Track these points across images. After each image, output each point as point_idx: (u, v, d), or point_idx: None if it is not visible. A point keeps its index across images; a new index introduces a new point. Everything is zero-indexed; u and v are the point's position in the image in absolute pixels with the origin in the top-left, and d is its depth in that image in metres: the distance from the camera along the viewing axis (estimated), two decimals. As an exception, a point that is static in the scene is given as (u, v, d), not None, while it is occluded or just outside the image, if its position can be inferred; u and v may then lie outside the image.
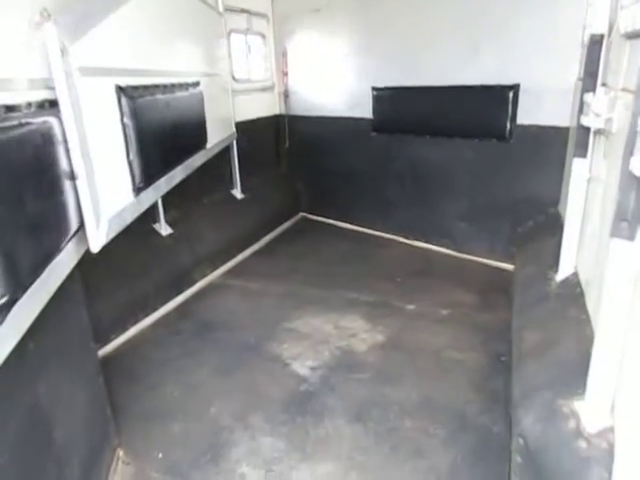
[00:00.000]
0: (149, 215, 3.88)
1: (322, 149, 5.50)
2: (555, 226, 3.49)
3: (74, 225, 1.67)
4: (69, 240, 1.64)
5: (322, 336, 3.32)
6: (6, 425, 1.39)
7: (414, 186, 4.81)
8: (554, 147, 3.72)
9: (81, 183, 1.66)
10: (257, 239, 5.09)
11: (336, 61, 5.04)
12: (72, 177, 1.66)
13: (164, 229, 3.98)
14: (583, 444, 1.73)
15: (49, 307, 1.59)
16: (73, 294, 1.99)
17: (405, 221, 4.98)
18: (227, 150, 4.72)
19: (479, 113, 4.12)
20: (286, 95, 5.59)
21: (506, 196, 4.19)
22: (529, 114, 3.84)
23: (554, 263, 2.93)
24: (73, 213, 1.67)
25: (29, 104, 1.45)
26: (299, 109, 5.58)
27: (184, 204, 4.25)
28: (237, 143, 4.86)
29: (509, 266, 4.15)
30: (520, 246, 3.82)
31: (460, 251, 4.59)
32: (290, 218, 5.80)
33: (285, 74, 5.50)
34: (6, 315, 1.15)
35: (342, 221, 5.58)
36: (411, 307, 3.68)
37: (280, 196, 5.66)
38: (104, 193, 1.83)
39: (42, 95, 1.56)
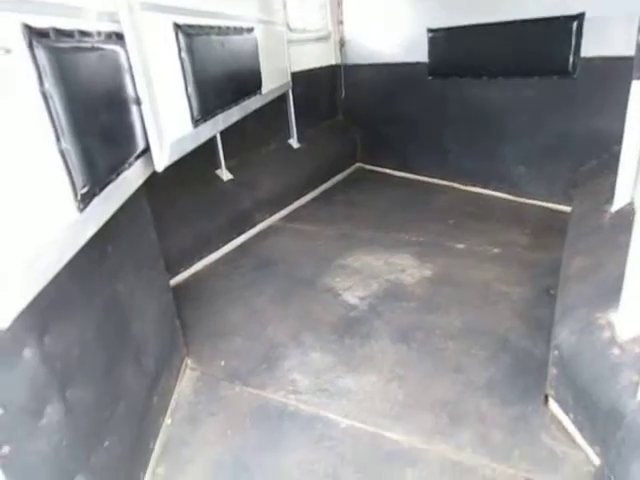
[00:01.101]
0: (212, 162, 4.16)
1: (378, 98, 5.49)
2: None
3: (141, 145, 1.90)
4: (137, 157, 1.87)
5: (372, 271, 3.47)
6: (93, 305, 1.67)
7: (471, 131, 4.72)
8: (621, 79, 3.50)
9: (145, 108, 1.88)
10: (313, 188, 5.26)
11: (391, 5, 4.96)
12: (137, 102, 1.88)
13: (225, 175, 4.24)
14: (616, 351, 1.78)
15: (123, 219, 1.86)
16: (143, 214, 2.26)
17: (462, 167, 4.92)
18: (283, 100, 4.86)
19: (540, 48, 3.94)
20: (342, 44, 5.60)
21: (568, 136, 4.03)
22: (594, 45, 3.63)
23: (612, 197, 2.85)
24: (139, 135, 1.90)
25: (99, 33, 1.66)
26: (355, 58, 5.57)
27: (243, 153, 4.48)
28: (293, 93, 4.97)
29: (568, 208, 4.03)
30: (580, 185, 3.71)
31: (518, 195, 4.50)
32: (346, 168, 5.90)
33: (340, 23, 5.50)
34: (87, 204, 1.39)
35: (398, 170, 5.60)
36: (461, 246, 3.71)
37: (336, 146, 5.75)
38: (166, 120, 2.05)
39: (109, 27, 1.77)
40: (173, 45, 2.19)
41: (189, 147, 2.31)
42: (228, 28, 2.92)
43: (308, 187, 5.17)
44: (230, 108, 2.96)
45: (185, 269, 3.66)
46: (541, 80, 4.03)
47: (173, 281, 3.51)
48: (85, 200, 1.37)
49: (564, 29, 3.71)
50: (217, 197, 4.08)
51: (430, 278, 3.30)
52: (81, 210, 1.35)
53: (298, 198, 4.98)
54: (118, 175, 1.66)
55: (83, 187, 1.36)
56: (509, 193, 4.56)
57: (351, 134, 5.90)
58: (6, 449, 1.27)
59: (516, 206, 4.42)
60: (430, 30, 4.62)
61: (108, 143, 1.59)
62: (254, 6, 3.68)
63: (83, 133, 1.37)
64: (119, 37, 1.80)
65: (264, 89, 3.77)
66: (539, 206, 4.32)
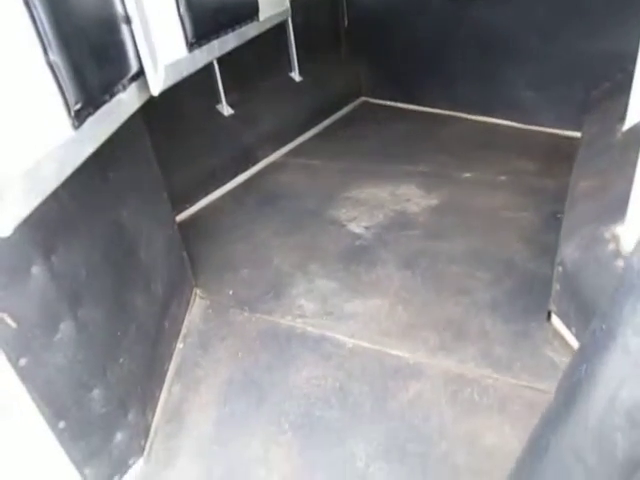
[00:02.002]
0: (212, 97, 4.05)
1: (382, 26, 5.21)
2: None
3: (134, 66, 1.84)
4: (131, 80, 1.82)
5: (378, 202, 3.45)
6: (98, 227, 1.69)
7: (478, 56, 4.51)
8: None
9: (136, 27, 1.81)
10: (317, 123, 5.13)
11: None
12: (127, 21, 1.80)
13: (226, 110, 4.14)
14: (621, 262, 1.78)
15: (123, 148, 1.84)
16: (142, 143, 2.23)
17: (469, 96, 4.75)
18: (283, 31, 4.65)
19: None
20: (342, -33, 5.27)
21: (580, 56, 3.84)
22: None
23: (624, 116, 2.75)
24: (132, 55, 1.84)
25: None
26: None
27: (244, 87, 4.34)
28: (293, 22, 4.75)
29: (578, 134, 3.92)
30: (591, 109, 3.58)
31: (526, 123, 4.37)
32: (350, 102, 5.72)
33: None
34: (82, 122, 1.36)
35: (405, 102, 5.41)
36: (468, 175, 3.66)
37: (340, 79, 5.55)
38: (159, 41, 1.97)
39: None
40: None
41: (185, 72, 2.25)
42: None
43: (311, 122, 5.04)
44: (226, 34, 2.84)
45: (190, 205, 3.67)
46: (553, -4, 3.80)
47: (178, 218, 3.52)
48: (79, 117, 1.35)
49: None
50: (219, 132, 4.01)
51: (435, 207, 3.29)
52: (76, 127, 1.33)
53: (301, 133, 4.87)
54: (112, 97, 1.62)
55: (76, 103, 1.33)
56: (517, 121, 4.43)
57: (355, 66, 5.68)
58: (23, 361, 1.32)
59: (524, 134, 4.30)
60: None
61: (99, 61, 1.54)
62: None
63: (72, 47, 1.32)
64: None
65: (261, 16, 3.60)
66: (549, 133, 4.20)
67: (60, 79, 1.27)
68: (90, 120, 1.42)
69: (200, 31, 2.38)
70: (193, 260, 2.93)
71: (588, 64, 3.82)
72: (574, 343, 2.04)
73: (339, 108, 5.52)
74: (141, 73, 1.90)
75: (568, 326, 2.06)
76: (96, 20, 1.58)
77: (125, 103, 1.76)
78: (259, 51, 3.90)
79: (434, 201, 3.36)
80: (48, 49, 1.23)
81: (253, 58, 4.13)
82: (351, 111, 5.64)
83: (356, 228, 3.16)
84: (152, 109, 2.09)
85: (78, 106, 1.34)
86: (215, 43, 2.66)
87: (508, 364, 2.01)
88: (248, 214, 3.54)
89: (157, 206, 2.40)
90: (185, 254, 2.68)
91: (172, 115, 3.42)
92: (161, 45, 1.99)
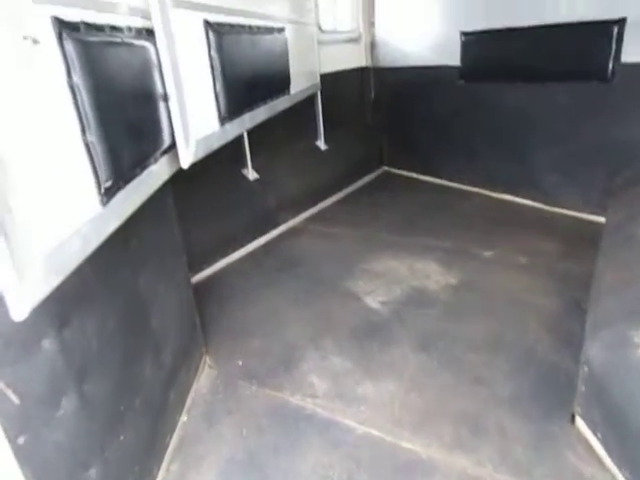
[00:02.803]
0: (238, 162, 4.17)
1: (407, 101, 5.43)
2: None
3: (167, 141, 1.90)
4: (163, 153, 1.88)
5: (396, 276, 3.41)
6: (114, 298, 1.68)
7: (501, 136, 4.61)
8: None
9: (173, 104, 1.88)
10: (339, 189, 5.23)
11: (424, 8, 4.90)
12: (165, 98, 1.88)
13: (251, 174, 4.24)
14: (651, 370, 1.69)
15: (147, 214, 1.86)
16: (167, 209, 2.27)
17: (491, 173, 4.81)
18: (312, 102, 4.85)
19: (578, 53, 3.81)
20: (373, 46, 5.55)
21: (604, 143, 3.88)
22: (635, 51, 3.49)
23: (649, 207, 2.73)
24: (166, 131, 1.91)
25: (129, 28, 1.67)
26: (386, 60, 5.52)
27: (270, 153, 4.48)
28: (322, 95, 4.95)
29: (602, 219, 3.90)
30: (615, 195, 3.57)
31: (549, 204, 4.37)
32: (372, 171, 5.85)
33: (372, 25, 5.45)
34: (111, 198, 1.39)
35: (425, 174, 5.52)
36: (488, 254, 3.62)
37: (363, 149, 5.71)
38: (193, 117, 2.05)
39: (140, 23, 1.78)
40: (203, 43, 2.19)
41: (215, 145, 2.31)
42: (259, 28, 2.92)
43: (333, 189, 5.14)
44: (258, 107, 2.95)
45: (208, 266, 3.68)
46: (578, 85, 3.90)
47: (195, 278, 3.53)
48: (109, 194, 1.37)
49: (604, 33, 3.58)
50: (242, 196, 4.09)
51: (455, 285, 3.23)
52: (104, 204, 1.35)
53: (323, 200, 4.95)
54: (143, 170, 1.67)
55: (107, 180, 1.36)
56: (540, 201, 4.43)
57: (378, 137, 5.85)
58: (22, 439, 1.27)
59: (547, 215, 4.29)
60: (464, 33, 4.53)
61: (134, 138, 1.59)
62: (286, 6, 3.68)
63: (109, 127, 1.37)
64: (149, 33, 1.81)
65: (292, 89, 3.77)
66: (571, 216, 4.18)
67: (95, 158, 1.31)
68: (119, 195, 1.45)
69: (233, 107, 2.47)
70: (205, 324, 2.90)
71: (611, 151, 3.85)
72: (600, 450, 1.90)
73: (361, 177, 5.64)
74: (173, 146, 1.96)
75: (594, 431, 1.93)
76: (135, 100, 1.64)
77: (155, 175, 1.80)
78: (287, 119, 4.03)
79: (453, 279, 3.31)
80: (87, 130, 1.28)
81: (281, 125, 4.27)
82: (373, 180, 5.75)
83: (372, 303, 3.11)
84: (179, 170, 2.14)
85: (109, 183, 1.37)
86: (247, 116, 2.76)
87: (528, 469, 1.87)
88: (264, 278, 3.53)
89: (175, 271, 2.40)
90: (198, 320, 2.65)
91: (198, 177, 3.50)
92: (194, 121, 2.06)
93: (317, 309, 3.09)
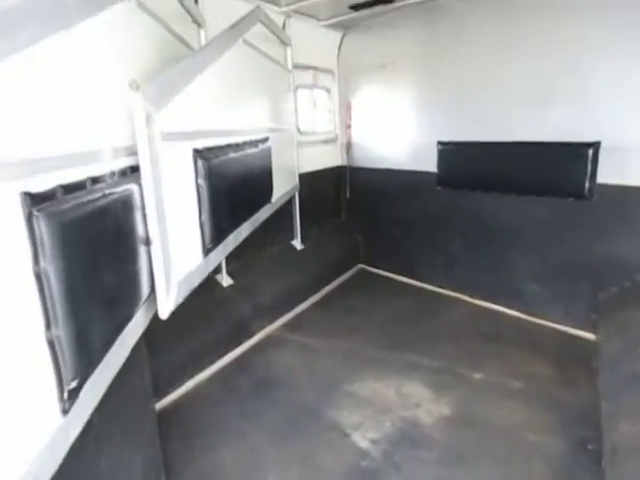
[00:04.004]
0: (211, 266, 3.91)
1: (383, 201, 5.42)
2: (645, 296, 3.17)
3: (145, 292, 1.64)
4: (139, 307, 1.61)
5: (384, 403, 3.12)
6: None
7: (480, 242, 4.59)
8: (640, 208, 3.45)
9: (155, 248, 1.64)
10: (316, 291, 5.00)
11: (400, 115, 5.03)
12: (147, 242, 1.64)
13: (225, 280, 3.98)
14: None
15: (115, 378, 1.54)
16: (138, 359, 1.95)
17: (470, 279, 4.73)
18: (289, 201, 4.73)
19: (555, 171, 3.89)
20: (349, 147, 5.62)
21: (585, 257, 3.88)
22: (611, 173, 3.58)
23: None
24: (145, 280, 1.65)
25: (113, 173, 1.46)
26: (361, 161, 5.57)
27: (245, 255, 4.25)
28: (299, 194, 4.87)
29: (589, 335, 3.81)
30: (603, 315, 3.49)
31: (531, 315, 4.27)
32: (349, 269, 5.69)
33: (348, 127, 5.55)
34: (75, 399, 1.09)
35: (402, 275, 5.40)
36: (478, 376, 3.40)
37: (339, 247, 5.59)
38: (175, 258, 1.81)
39: (125, 162, 1.57)
40: (190, 172, 2.01)
41: (198, 280, 2.07)
42: (245, 143, 2.80)
43: (310, 290, 4.91)
44: (241, 225, 2.76)
45: (175, 388, 3.28)
46: (556, 200, 3.95)
47: (160, 404, 3.13)
48: (72, 397, 1.08)
49: (580, 155, 3.68)
50: (215, 305, 3.78)
51: (449, 418, 2.95)
52: (66, 412, 1.05)
53: (300, 302, 4.70)
54: (116, 340, 1.38)
55: (72, 380, 1.07)
56: (522, 311, 4.34)
57: (354, 235, 5.76)
58: None
59: (530, 327, 4.16)
60: (440, 143, 4.62)
61: (106, 310, 1.32)
62: (269, 115, 3.63)
63: (79, 315, 1.10)
64: (134, 171, 1.60)
65: (274, 197, 3.63)
66: (556, 329, 4.07)
67: (59, 356, 1.03)
68: (84, 388, 1.15)
69: (218, 234, 2.26)
70: (172, 470, 2.48)
71: (593, 265, 3.83)
72: None
73: (338, 275, 5.46)
74: (151, 293, 1.70)
75: None
76: (112, 254, 1.40)
77: (129, 337, 1.52)
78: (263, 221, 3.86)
79: (446, 409, 3.04)
80: (52, 324, 1.01)
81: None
82: (349, 279, 5.58)
83: (361, 440, 2.78)
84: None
85: (74, 384, 1.08)
86: (230, 238, 2.54)
87: None
88: (239, 406, 3.15)
89: (142, 425, 2.04)
90: (164, 476, 2.24)
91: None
92: (177, 261, 1.82)
93: (300, 450, 2.73)
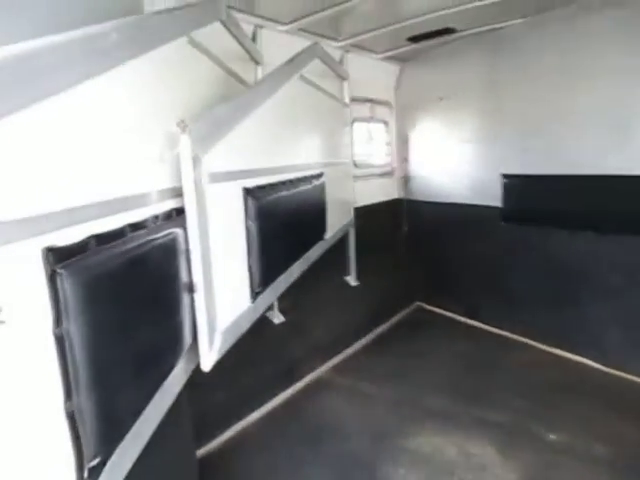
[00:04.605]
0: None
1: (442, 236, 5.17)
2: None
3: (187, 342, 1.53)
4: (179, 360, 1.49)
5: (444, 462, 2.83)
6: None
7: (551, 283, 4.21)
8: None
9: (199, 296, 1.54)
10: (370, 330, 4.78)
11: (460, 147, 4.81)
12: (191, 290, 1.54)
13: (277, 317, 3.86)
14: None
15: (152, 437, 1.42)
16: (178, 409, 1.83)
17: (539, 323, 4.33)
18: (344, 236, 4.60)
19: (635, 206, 3.52)
20: (406, 180, 5.44)
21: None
22: None
23: None
24: (187, 329, 1.54)
25: (155, 217, 1.38)
26: (419, 194, 5.36)
27: (297, 291, 4.11)
28: (354, 228, 4.73)
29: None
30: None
31: (612, 366, 3.81)
32: (405, 307, 5.43)
33: (406, 160, 5.39)
34: (97, 478, 0.97)
35: (463, 315, 5.06)
36: (553, 437, 3.02)
37: (395, 283, 5.35)
38: (221, 304, 1.70)
39: (170, 205, 1.50)
40: (240, 213, 1.92)
41: (245, 326, 1.95)
42: (298, 180, 2.71)
43: (364, 329, 4.70)
44: (292, 265, 2.64)
45: (221, 432, 3.15)
46: (637, 238, 3.55)
47: (204, 449, 3.00)
48: (94, 476, 0.95)
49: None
50: (265, 343, 3.65)
51: (521, 488, 2.62)
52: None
53: (353, 342, 4.49)
54: (146, 406, 1.27)
55: (94, 457, 0.95)
56: (600, 362, 3.88)
57: (411, 270, 5.51)
58: None
59: (612, 380, 3.71)
60: (505, 176, 4.35)
61: (140, 372, 1.21)
62: (324, 150, 3.55)
63: (104, 380, 0.99)
64: (179, 213, 1.52)
65: (328, 234, 3.51)
66: (641, 384, 3.61)
67: (80, 429, 0.91)
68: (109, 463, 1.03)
69: (267, 276, 2.14)
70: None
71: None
72: None
73: (394, 314, 5.21)
74: (193, 343, 1.58)
75: None
76: (152, 308, 1.30)
77: (166, 394, 1.40)
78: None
79: (515, 474, 2.70)
80: (73, 395, 0.90)
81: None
82: (406, 318, 5.30)
83: (420, 507, 2.50)
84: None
85: (96, 461, 0.96)
86: (280, 280, 2.42)
87: None
88: (288, 454, 2.97)
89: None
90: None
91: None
92: (222, 308, 1.70)
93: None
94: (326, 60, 3.58)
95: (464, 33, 4.07)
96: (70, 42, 1.06)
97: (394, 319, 5.19)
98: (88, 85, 1.08)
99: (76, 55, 1.05)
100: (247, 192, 1.94)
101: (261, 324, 3.73)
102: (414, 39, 4.29)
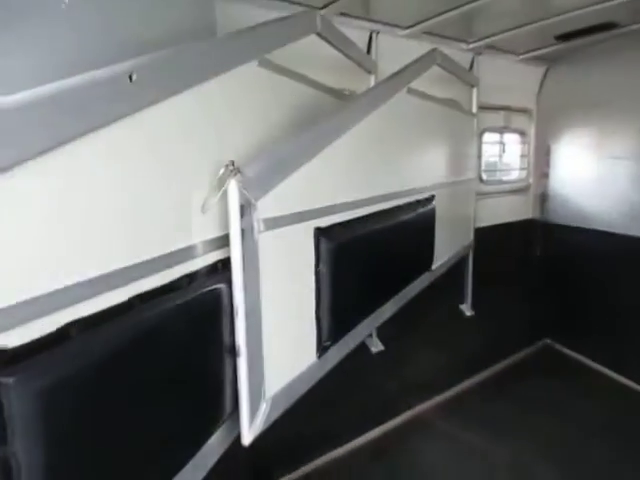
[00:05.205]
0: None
1: (586, 267, 4.37)
2: None
3: (226, 412, 1.35)
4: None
5: None
6: None
7: None
8: None
9: (242, 361, 1.34)
10: (484, 367, 4.22)
11: (617, 164, 3.98)
12: (233, 352, 1.36)
13: (375, 345, 3.58)
14: None
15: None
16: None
17: None
18: (460, 259, 4.12)
19: None
20: (544, 198, 4.72)
21: None
22: None
23: None
24: (228, 397, 1.36)
25: (194, 274, 1.21)
26: (559, 216, 4.61)
27: (400, 316, 3.78)
28: (474, 251, 4.22)
29: None
30: None
31: None
32: (530, 344, 4.71)
33: (545, 175, 4.66)
34: None
35: (603, 364, 4.21)
36: None
37: (520, 316, 4.68)
38: (272, 365, 1.49)
39: (215, 257, 1.32)
40: (308, 257, 1.68)
41: (305, 388, 1.71)
42: (396, 209, 2.38)
43: (477, 367, 4.16)
44: (382, 306, 2.33)
45: (291, 472, 2.93)
46: None
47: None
48: None
49: None
50: (358, 374, 3.39)
51: None
52: None
53: (462, 381, 4.00)
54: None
55: None
56: None
57: (542, 302, 4.77)
58: None
59: None
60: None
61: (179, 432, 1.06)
62: (438, 169, 3.15)
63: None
64: (225, 265, 1.34)
65: (436, 263, 3.11)
66: None
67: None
68: None
69: (341, 327, 1.88)
70: None
71: None
72: None
73: (515, 351, 4.56)
74: (234, 411, 1.40)
75: None
76: (189, 371, 1.14)
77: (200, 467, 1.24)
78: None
79: None
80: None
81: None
82: (529, 358, 4.60)
83: None
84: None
85: None
86: (362, 326, 2.14)
87: None
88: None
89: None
90: None
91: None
92: (275, 367, 1.49)
93: None
94: (448, 67, 3.16)
95: (628, 28, 3.31)
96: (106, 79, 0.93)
97: (515, 357, 4.53)
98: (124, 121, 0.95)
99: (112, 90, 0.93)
100: (320, 232, 1.70)
101: (356, 352, 3.50)
102: (564, 37, 3.63)
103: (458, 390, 3.95)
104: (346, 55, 2.52)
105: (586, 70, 4.10)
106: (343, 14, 2.93)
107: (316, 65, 2.63)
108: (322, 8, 2.80)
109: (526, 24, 3.39)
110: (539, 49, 3.94)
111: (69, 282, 0.87)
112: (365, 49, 3.18)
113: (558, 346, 4.71)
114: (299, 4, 2.74)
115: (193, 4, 1.61)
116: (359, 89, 3.02)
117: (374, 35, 3.17)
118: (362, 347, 3.55)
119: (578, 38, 3.59)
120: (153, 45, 1.25)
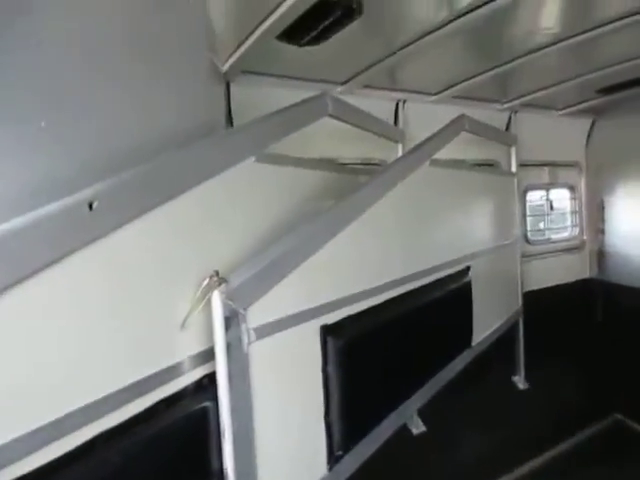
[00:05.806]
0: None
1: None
2: None
3: None
4: None
5: None
6: None
7: None
8: None
9: (229, 479, 1.21)
10: (544, 448, 3.76)
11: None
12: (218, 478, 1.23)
13: (416, 426, 3.30)
14: None
15: None
16: None
17: None
18: (510, 327, 3.81)
19: None
20: (600, 256, 4.35)
21: None
22: None
23: None
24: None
25: (174, 395, 1.12)
26: (621, 275, 4.22)
27: (444, 391, 3.49)
28: (524, 317, 3.90)
29: None
30: None
31: None
32: (597, 420, 4.19)
33: (601, 231, 4.32)
34: None
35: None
36: None
37: (583, 388, 4.23)
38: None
39: (201, 372, 1.23)
40: (314, 359, 1.55)
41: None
42: (422, 288, 2.22)
43: (535, 448, 3.72)
44: (408, 399, 2.13)
45: None
46: None
47: None
48: None
49: None
50: (397, 460, 3.09)
51: None
52: None
53: (517, 466, 3.57)
54: None
55: None
56: None
57: (608, 373, 4.29)
58: None
59: None
60: None
61: None
62: (471, 238, 2.95)
63: None
64: (212, 380, 1.24)
65: (476, 339, 2.87)
66: None
67: None
68: None
69: (358, 430, 1.70)
70: None
71: None
72: None
73: (579, 428, 4.06)
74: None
75: None
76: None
77: None
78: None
79: None
80: None
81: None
82: (598, 434, 4.09)
83: None
84: None
85: None
86: (383, 425, 1.94)
87: None
88: None
89: None
90: None
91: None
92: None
93: None
94: (478, 131, 3.03)
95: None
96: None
97: (580, 436, 4.03)
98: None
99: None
100: (326, 331, 1.57)
101: (395, 434, 3.24)
102: (606, 90, 3.43)
103: (512, 478, 3.53)
104: (367, 129, 2.47)
105: (636, 121, 3.84)
106: (367, 86, 2.92)
107: (337, 139, 2.60)
108: (344, 83, 2.80)
109: (564, 81, 3.25)
110: (580, 103, 3.74)
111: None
112: (392, 117, 3.13)
113: (629, 422, 4.17)
114: (321, 81, 2.76)
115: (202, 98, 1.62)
116: (388, 157, 2.96)
117: (400, 104, 3.13)
118: (403, 429, 3.28)
119: (621, 91, 3.38)
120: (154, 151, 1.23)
